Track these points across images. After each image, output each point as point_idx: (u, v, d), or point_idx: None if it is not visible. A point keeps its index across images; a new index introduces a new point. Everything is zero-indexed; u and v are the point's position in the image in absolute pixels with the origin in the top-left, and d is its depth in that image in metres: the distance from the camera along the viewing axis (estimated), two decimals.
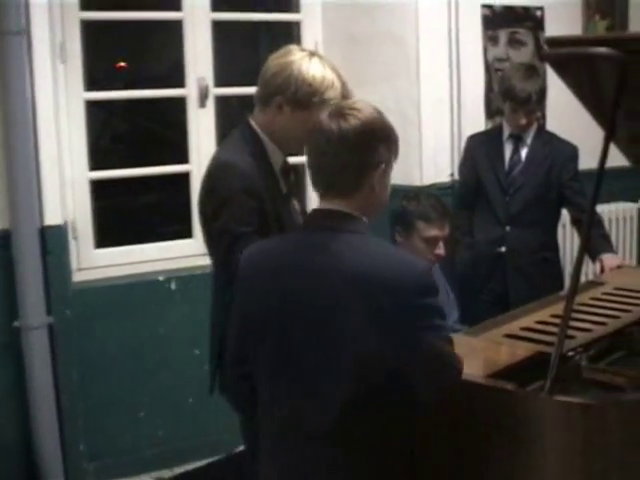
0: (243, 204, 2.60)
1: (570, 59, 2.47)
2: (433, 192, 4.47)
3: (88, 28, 4.31)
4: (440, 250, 3.67)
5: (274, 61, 2.72)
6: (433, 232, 3.64)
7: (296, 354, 2.16)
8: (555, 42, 2.54)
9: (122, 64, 6.57)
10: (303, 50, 2.75)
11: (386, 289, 2.05)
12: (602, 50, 2.33)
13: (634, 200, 5.61)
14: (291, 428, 2.19)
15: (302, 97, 2.65)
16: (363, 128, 2.16)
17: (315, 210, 2.27)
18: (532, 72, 4.20)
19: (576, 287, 2.46)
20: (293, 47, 2.77)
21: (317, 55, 2.76)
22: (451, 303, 3.90)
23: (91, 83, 4.39)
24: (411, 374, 2.11)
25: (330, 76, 2.69)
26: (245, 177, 2.62)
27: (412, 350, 2.08)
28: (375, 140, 2.18)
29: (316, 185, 2.24)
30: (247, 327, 2.27)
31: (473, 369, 2.48)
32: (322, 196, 2.23)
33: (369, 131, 2.17)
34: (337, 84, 2.69)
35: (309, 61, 2.69)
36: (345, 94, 2.71)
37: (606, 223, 4.91)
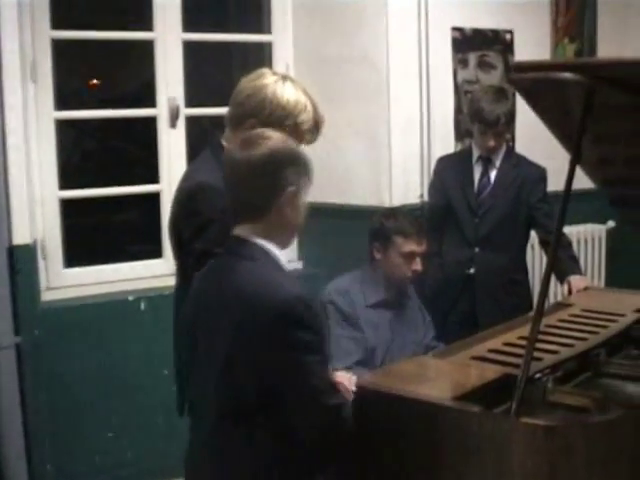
0: (224, 225, 2.62)
1: (537, 84, 2.50)
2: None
3: (61, 45, 4.31)
4: (417, 266, 3.74)
5: (248, 84, 2.75)
6: (411, 247, 3.71)
7: (197, 367, 2.35)
8: (522, 67, 2.56)
9: (95, 82, 6.55)
10: (275, 74, 2.79)
11: (253, 317, 2.16)
12: (569, 76, 2.35)
13: (602, 222, 5.65)
14: (194, 430, 2.44)
15: (276, 120, 2.69)
16: (268, 154, 2.27)
17: (230, 235, 2.36)
18: (501, 95, 4.24)
19: (542, 309, 2.47)
20: (266, 70, 2.80)
21: (289, 79, 2.81)
22: (427, 324, 3.93)
23: (63, 101, 4.38)
24: (282, 403, 2.20)
25: (303, 100, 2.74)
26: (224, 198, 2.64)
27: (279, 380, 2.18)
28: (281, 165, 2.27)
29: (231, 211, 2.36)
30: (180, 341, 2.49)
31: (440, 391, 2.49)
32: (234, 221, 2.34)
33: (274, 156, 2.27)
34: (309, 108, 2.74)
35: (283, 85, 2.73)
36: (316, 117, 2.76)
37: (574, 244, 4.95)
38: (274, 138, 2.32)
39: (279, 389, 2.18)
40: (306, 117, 2.73)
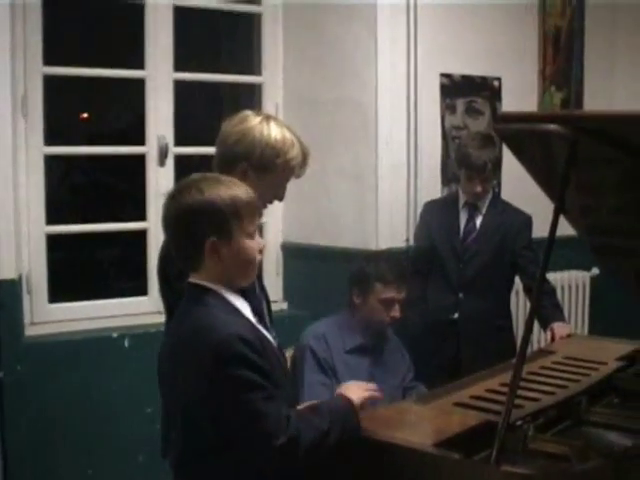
0: None
1: (522, 134, 2.53)
2: (393, 253, 4.52)
3: (52, 81, 4.33)
4: (396, 312, 3.73)
5: (233, 128, 2.78)
6: (390, 294, 3.70)
7: (165, 405, 2.41)
8: (508, 117, 2.60)
9: (85, 116, 6.58)
10: (258, 115, 2.84)
11: (197, 360, 2.20)
12: (553, 127, 2.39)
13: (586, 269, 5.67)
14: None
15: (267, 160, 2.75)
16: (180, 210, 2.29)
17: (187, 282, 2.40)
18: (488, 141, 4.27)
19: (524, 356, 2.49)
20: (248, 112, 2.85)
21: (272, 118, 2.87)
22: (407, 364, 3.92)
23: (53, 134, 4.39)
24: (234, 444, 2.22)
25: (289, 136, 2.80)
26: None
27: (221, 417, 2.20)
28: (192, 220, 2.29)
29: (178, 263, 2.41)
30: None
31: (421, 437, 2.49)
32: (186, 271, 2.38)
33: (186, 212, 2.29)
34: (296, 143, 2.80)
35: (268, 125, 2.78)
36: (304, 150, 2.82)
37: (558, 291, 4.97)
38: (188, 190, 2.31)
39: (229, 430, 2.20)
40: (295, 152, 2.79)
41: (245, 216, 2.34)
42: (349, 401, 2.43)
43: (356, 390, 2.52)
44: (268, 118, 2.84)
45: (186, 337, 2.26)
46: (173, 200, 2.31)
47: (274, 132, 2.77)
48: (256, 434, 2.17)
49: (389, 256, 3.96)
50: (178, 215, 2.29)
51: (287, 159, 2.76)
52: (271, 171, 2.76)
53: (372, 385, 2.61)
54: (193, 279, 2.34)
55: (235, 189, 2.34)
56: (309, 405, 2.52)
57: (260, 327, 2.39)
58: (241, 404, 2.17)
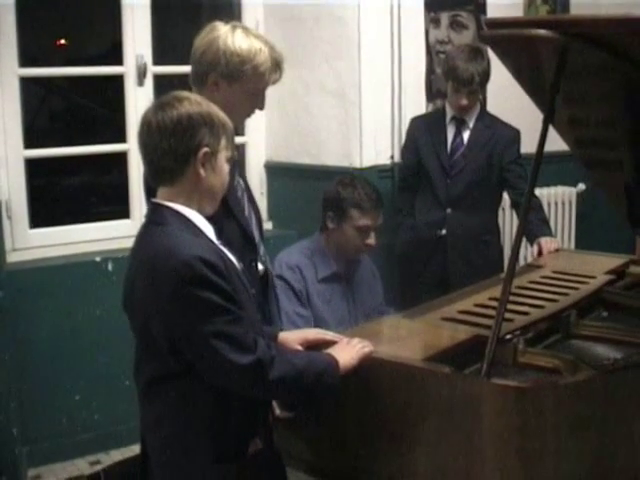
0: None
1: (510, 41, 2.46)
2: (370, 178, 4.46)
3: (27, 4, 4.21)
4: (371, 240, 3.67)
5: (201, 40, 2.76)
6: (366, 222, 3.64)
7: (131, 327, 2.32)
8: (495, 24, 2.52)
9: (62, 42, 6.47)
10: (226, 24, 2.77)
11: (157, 281, 2.15)
12: (542, 32, 2.32)
13: (573, 184, 5.65)
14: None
15: (234, 68, 2.70)
16: (179, 115, 2.23)
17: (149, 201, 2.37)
18: (477, 54, 4.18)
19: (514, 270, 2.46)
20: (217, 23, 2.80)
21: (240, 26, 2.80)
22: (377, 281, 3.90)
23: (30, 60, 4.29)
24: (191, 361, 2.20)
25: (256, 43, 2.74)
26: None
27: (183, 339, 2.16)
28: (193, 124, 2.23)
29: (148, 176, 2.35)
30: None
31: (410, 352, 2.48)
32: (153, 185, 2.32)
33: (186, 117, 2.23)
34: (265, 49, 2.74)
35: (233, 34, 2.73)
36: (274, 55, 2.75)
37: (545, 207, 4.94)
38: (187, 99, 2.27)
39: (192, 353, 2.16)
40: (262, 58, 2.72)
41: (229, 141, 2.32)
42: (334, 359, 2.36)
43: (347, 351, 2.42)
44: (235, 27, 2.78)
45: (147, 259, 2.20)
46: (165, 109, 2.23)
47: (238, 40, 2.72)
48: (221, 354, 2.12)
49: (365, 182, 3.79)
50: (177, 121, 2.21)
51: (254, 65, 2.71)
52: (241, 79, 2.71)
53: (364, 343, 2.46)
54: (160, 197, 2.28)
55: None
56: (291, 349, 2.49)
57: (224, 249, 2.32)
58: (204, 326, 2.12)
